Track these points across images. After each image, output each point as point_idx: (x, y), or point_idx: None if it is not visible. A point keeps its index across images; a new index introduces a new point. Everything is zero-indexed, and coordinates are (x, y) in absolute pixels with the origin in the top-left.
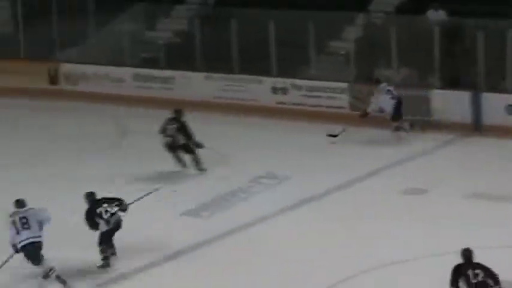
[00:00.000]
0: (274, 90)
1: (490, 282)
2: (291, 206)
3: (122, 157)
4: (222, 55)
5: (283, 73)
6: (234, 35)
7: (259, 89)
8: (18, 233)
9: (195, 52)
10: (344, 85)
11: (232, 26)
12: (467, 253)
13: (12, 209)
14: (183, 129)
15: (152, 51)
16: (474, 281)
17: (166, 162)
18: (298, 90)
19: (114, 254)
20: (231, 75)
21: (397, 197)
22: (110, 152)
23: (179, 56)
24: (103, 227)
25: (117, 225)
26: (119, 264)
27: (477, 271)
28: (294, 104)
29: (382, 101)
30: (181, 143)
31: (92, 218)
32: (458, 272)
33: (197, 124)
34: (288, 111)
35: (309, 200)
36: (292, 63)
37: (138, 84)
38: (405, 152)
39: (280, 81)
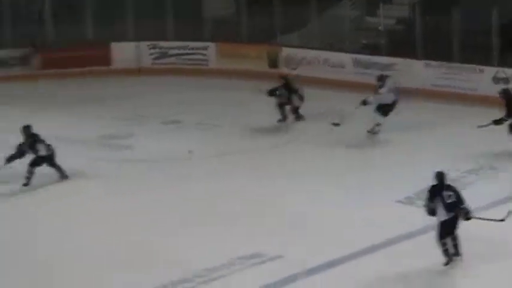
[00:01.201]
0: (495, 80)
1: (460, 203)
2: (503, 199)
3: (341, 142)
4: (443, 43)
5: (505, 63)
6: (456, 22)
7: (479, 78)
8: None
9: (416, 39)
10: None
11: (454, 13)
12: (440, 175)
13: None
14: None
15: (373, 37)
16: (448, 201)
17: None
18: None
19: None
20: (451, 64)
21: None
22: (326, 137)
23: (400, 43)
24: (43, 152)
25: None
26: (324, 250)
27: (450, 193)
28: None
29: None
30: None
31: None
32: (433, 192)
33: (415, 111)
34: None
35: None
36: None
37: (358, 70)
38: None
39: (501, 71)
